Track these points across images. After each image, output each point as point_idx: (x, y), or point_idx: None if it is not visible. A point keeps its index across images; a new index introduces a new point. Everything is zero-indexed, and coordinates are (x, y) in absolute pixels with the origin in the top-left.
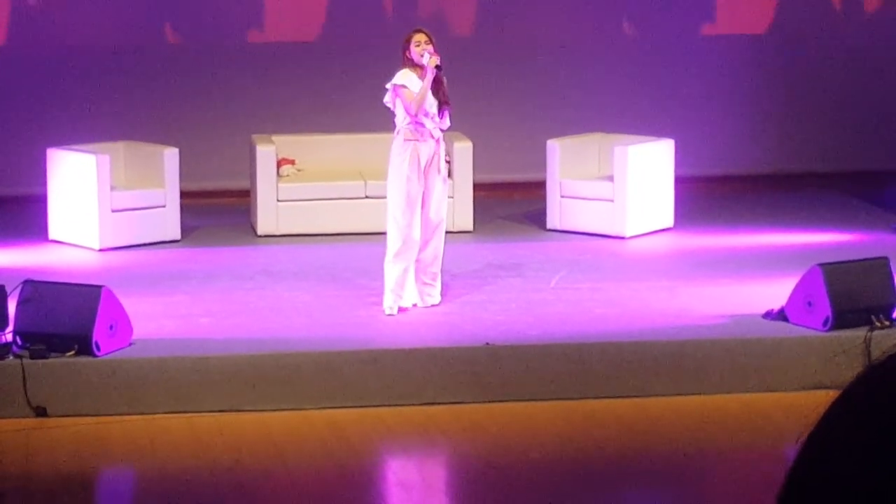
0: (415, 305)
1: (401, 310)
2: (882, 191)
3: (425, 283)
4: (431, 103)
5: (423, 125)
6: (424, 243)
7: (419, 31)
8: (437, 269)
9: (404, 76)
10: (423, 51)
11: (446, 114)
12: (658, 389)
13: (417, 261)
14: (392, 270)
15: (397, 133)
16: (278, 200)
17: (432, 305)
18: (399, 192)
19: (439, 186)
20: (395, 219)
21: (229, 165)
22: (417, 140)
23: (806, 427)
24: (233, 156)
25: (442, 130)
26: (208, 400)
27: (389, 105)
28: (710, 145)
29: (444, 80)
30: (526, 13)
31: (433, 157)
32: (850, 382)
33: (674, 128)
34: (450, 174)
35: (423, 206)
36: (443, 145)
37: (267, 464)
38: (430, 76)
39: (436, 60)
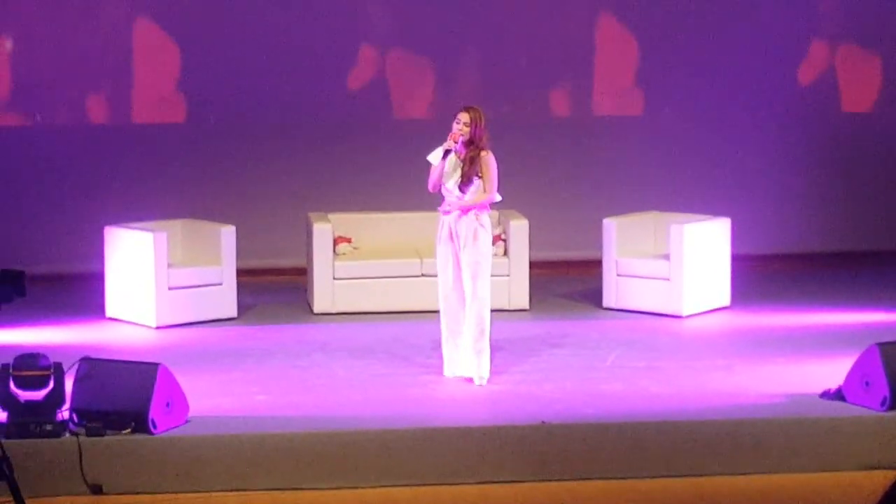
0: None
1: (458, 379)
2: None
3: (453, 348)
4: (453, 177)
5: (445, 197)
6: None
7: (464, 109)
8: (472, 344)
9: (433, 152)
10: (459, 129)
11: (469, 188)
12: (714, 469)
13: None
14: (443, 337)
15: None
16: (334, 278)
17: (480, 384)
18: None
19: (464, 259)
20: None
21: (286, 243)
22: (441, 212)
23: None
24: (289, 234)
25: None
26: (264, 478)
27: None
28: (766, 224)
29: (475, 158)
30: (580, 91)
31: (460, 230)
32: None
33: (730, 206)
34: (505, 252)
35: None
36: (474, 216)
37: None
38: (441, 156)
39: (450, 144)
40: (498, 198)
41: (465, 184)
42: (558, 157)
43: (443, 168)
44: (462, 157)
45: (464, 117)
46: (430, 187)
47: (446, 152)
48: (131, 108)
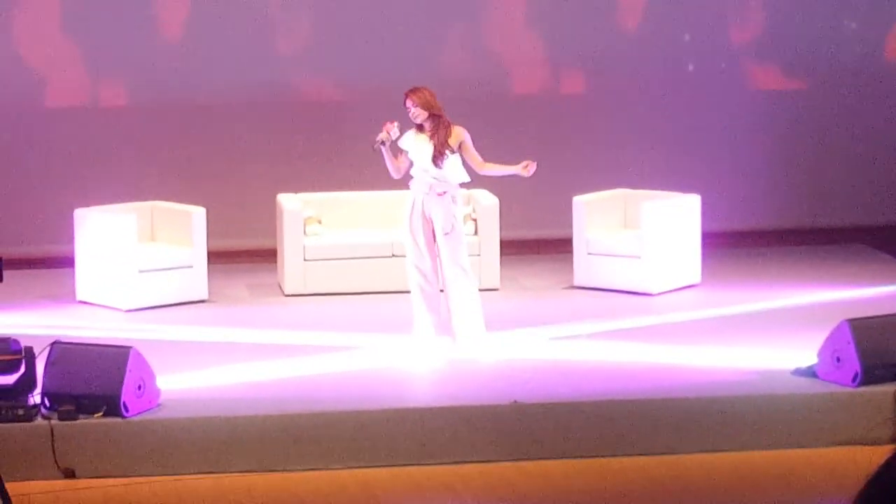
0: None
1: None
2: None
3: (456, 336)
4: (424, 156)
5: (414, 180)
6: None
7: (407, 94)
8: (468, 308)
9: (407, 136)
10: (415, 115)
11: (443, 162)
12: (687, 446)
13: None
14: (415, 312)
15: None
16: (305, 259)
17: (467, 355)
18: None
19: (441, 240)
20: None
21: (256, 224)
22: (415, 192)
23: (837, 484)
24: (259, 214)
25: (438, 180)
26: (237, 460)
27: None
28: (735, 200)
29: (440, 128)
30: (550, 70)
31: (433, 207)
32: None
33: (699, 183)
34: (476, 231)
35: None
36: (451, 198)
37: None
38: (381, 149)
39: (383, 136)
40: (467, 178)
41: (438, 157)
42: (528, 135)
43: (392, 156)
44: (429, 133)
45: (410, 103)
46: (393, 175)
47: (383, 143)
48: (95, 92)
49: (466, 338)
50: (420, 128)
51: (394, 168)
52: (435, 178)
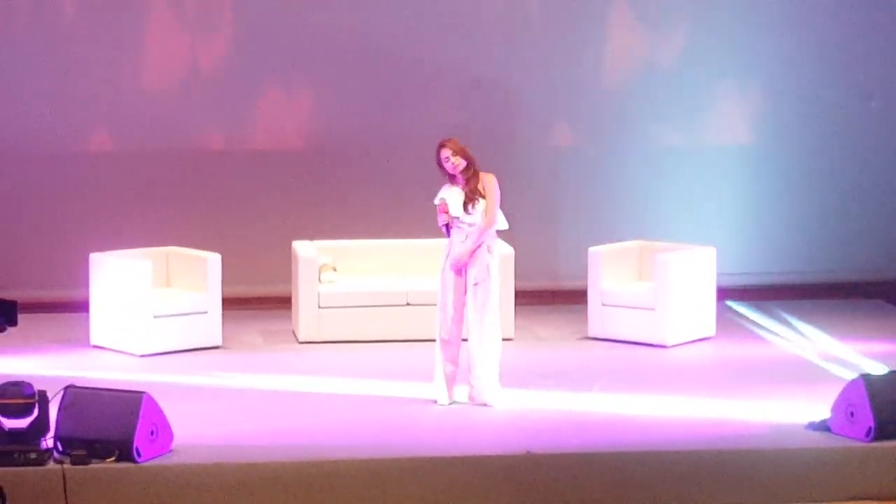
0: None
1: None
2: None
3: (472, 385)
4: (457, 203)
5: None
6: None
7: (442, 145)
8: (479, 372)
9: (444, 191)
10: (452, 165)
11: (475, 207)
12: (699, 499)
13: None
14: (436, 362)
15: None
16: (320, 307)
17: (482, 404)
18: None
19: (476, 289)
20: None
21: (271, 271)
22: (453, 240)
23: None
24: (275, 261)
25: (472, 226)
26: None
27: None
28: (752, 254)
29: (473, 176)
30: (565, 120)
31: (470, 262)
32: None
33: (716, 235)
34: None
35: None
36: (486, 248)
37: None
38: (454, 251)
39: (446, 218)
40: (505, 225)
41: (469, 203)
42: (544, 185)
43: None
44: (463, 182)
45: (446, 152)
46: (440, 223)
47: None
48: (112, 135)
49: (483, 390)
50: (453, 179)
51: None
52: (469, 226)
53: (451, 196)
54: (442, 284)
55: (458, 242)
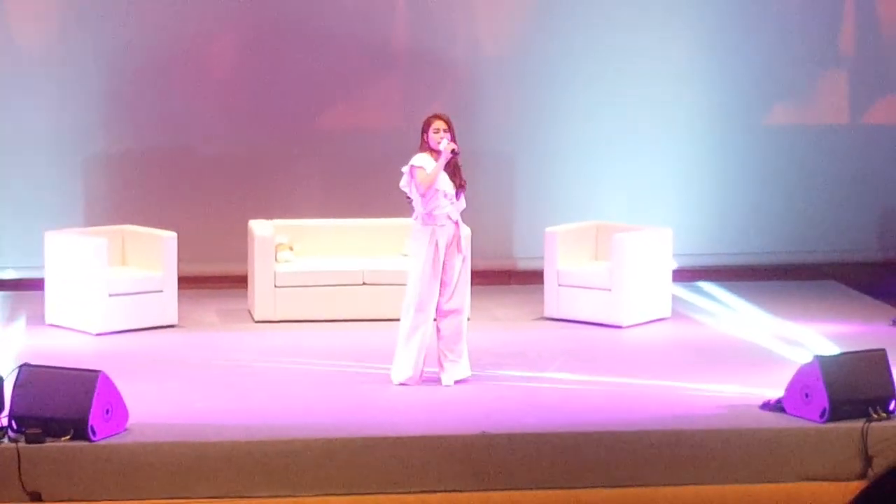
0: (438, 382)
1: (400, 386)
2: (880, 282)
3: (451, 361)
4: (449, 186)
5: (438, 210)
6: (445, 320)
7: (438, 116)
8: (462, 346)
9: (421, 158)
10: (442, 137)
11: (462, 195)
12: (654, 479)
13: (440, 339)
14: (405, 345)
15: (416, 218)
16: (276, 286)
17: (458, 381)
18: (416, 274)
19: (457, 266)
20: (411, 297)
21: (227, 250)
22: (435, 225)
23: None
24: (231, 240)
25: (454, 208)
26: (204, 486)
27: (405, 189)
28: (707, 235)
29: (461, 163)
30: (522, 105)
31: (452, 240)
32: (879, 475)
33: (671, 216)
34: None
35: (443, 287)
36: (462, 227)
37: None
38: (444, 158)
39: (452, 146)
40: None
41: (459, 189)
42: (501, 165)
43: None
44: (451, 166)
45: (442, 125)
46: (423, 190)
47: (454, 153)
48: (66, 115)
49: (467, 366)
50: (435, 155)
51: (431, 180)
52: (453, 206)
53: (429, 166)
54: (425, 256)
55: (440, 221)
